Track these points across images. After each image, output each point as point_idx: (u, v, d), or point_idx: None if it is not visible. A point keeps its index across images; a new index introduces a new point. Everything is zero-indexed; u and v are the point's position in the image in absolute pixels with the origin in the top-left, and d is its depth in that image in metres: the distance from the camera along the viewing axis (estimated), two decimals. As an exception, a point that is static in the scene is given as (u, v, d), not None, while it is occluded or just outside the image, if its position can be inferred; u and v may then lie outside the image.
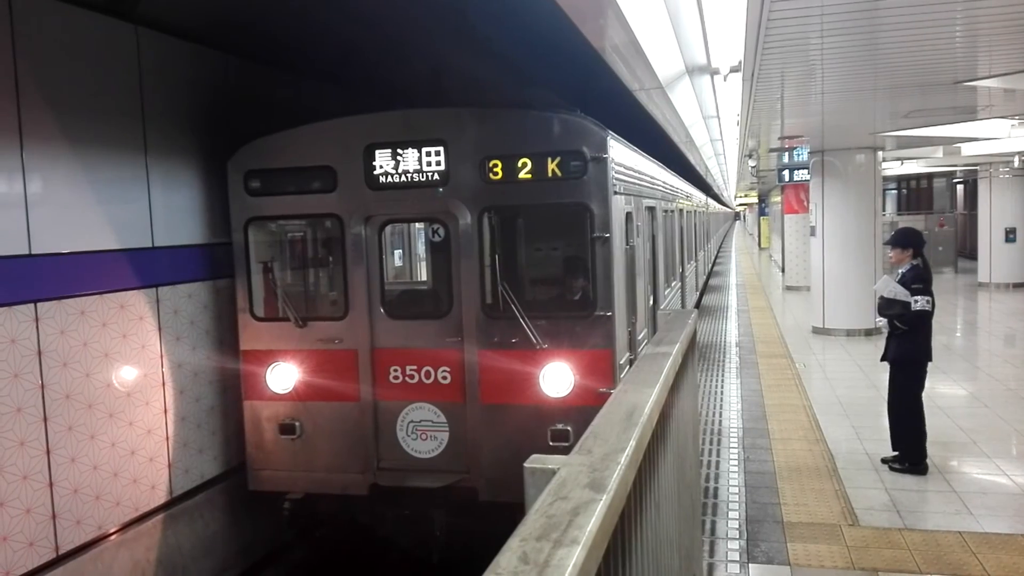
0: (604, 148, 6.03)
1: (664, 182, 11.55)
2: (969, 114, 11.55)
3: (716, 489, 6.97)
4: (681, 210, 14.98)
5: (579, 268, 6.66)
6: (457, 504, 6.37)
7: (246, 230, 6.81)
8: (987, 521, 6.13)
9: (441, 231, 6.92)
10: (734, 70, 9.17)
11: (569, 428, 6.14)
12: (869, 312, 14.69)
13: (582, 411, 6.09)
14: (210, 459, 7.05)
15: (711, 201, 32.52)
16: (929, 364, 7.35)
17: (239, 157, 6.76)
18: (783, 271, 25.87)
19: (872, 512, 6.38)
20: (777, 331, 16.15)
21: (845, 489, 6.89)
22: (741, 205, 77.43)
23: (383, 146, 6.40)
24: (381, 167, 6.41)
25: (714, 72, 9.82)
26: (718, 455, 7.96)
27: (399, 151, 6.37)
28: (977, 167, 23.12)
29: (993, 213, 22.56)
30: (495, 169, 6.13)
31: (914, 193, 40.85)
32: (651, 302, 9.34)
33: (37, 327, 5.33)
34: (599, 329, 6.16)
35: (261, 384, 6.81)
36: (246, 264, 6.82)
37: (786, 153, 15.50)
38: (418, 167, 6.33)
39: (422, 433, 6.56)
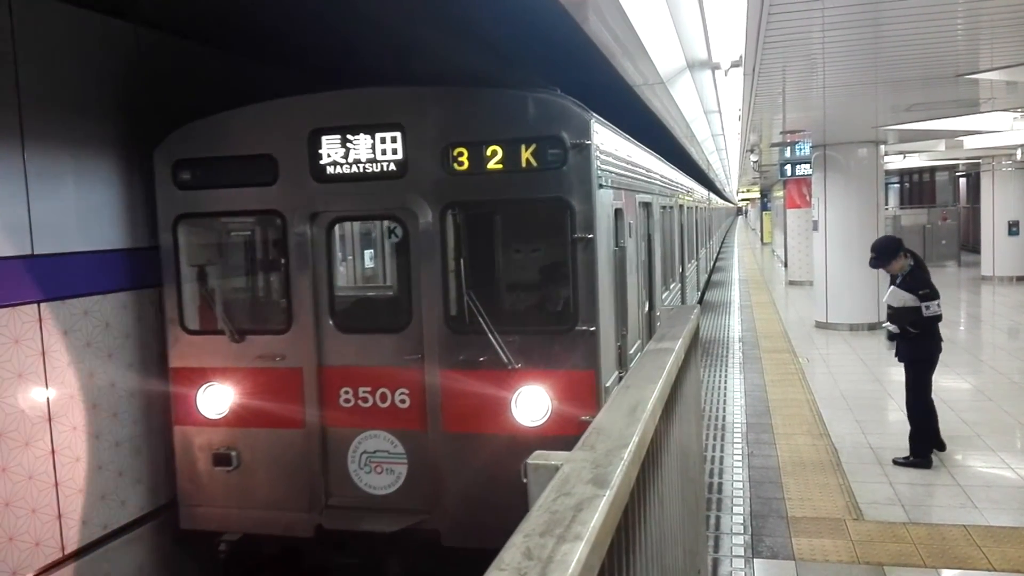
0: (587, 133, 5.20)
1: (661, 175, 10.75)
2: (971, 107, 11.53)
3: (720, 484, 6.97)
4: (681, 206, 14.05)
5: (558, 275, 5.74)
6: (416, 550, 5.56)
7: (175, 229, 5.95)
8: (992, 514, 6.12)
9: (399, 231, 5.99)
10: (735, 65, 9.15)
11: None
12: (872, 306, 14.69)
13: (561, 443, 4.92)
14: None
15: (713, 196, 32.17)
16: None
17: (167, 145, 5.90)
18: (786, 266, 25.84)
19: (876, 506, 6.37)
20: (780, 326, 16.14)
21: (849, 483, 6.89)
22: (743, 200, 77.33)
23: (330, 131, 5.56)
24: (328, 156, 5.58)
25: (715, 67, 9.79)
26: (722, 450, 7.96)
27: (349, 137, 5.52)
28: (980, 160, 23.07)
29: (996, 206, 22.52)
30: (460, 158, 5.32)
31: (916, 187, 40.76)
32: (646, 309, 8.48)
33: None
34: (581, 346, 5.30)
35: (192, 407, 5.95)
36: (175, 269, 5.96)
37: (788, 148, 15.43)
38: (371, 156, 5.50)
39: (377, 466, 5.70)
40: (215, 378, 5.92)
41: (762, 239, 50.83)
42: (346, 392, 5.72)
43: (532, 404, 5.34)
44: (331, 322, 5.77)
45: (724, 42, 8.64)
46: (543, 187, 5.25)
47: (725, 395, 10.30)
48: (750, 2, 5.45)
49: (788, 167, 15.65)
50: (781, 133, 14.20)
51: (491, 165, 5.27)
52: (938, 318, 7.18)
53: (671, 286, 11.58)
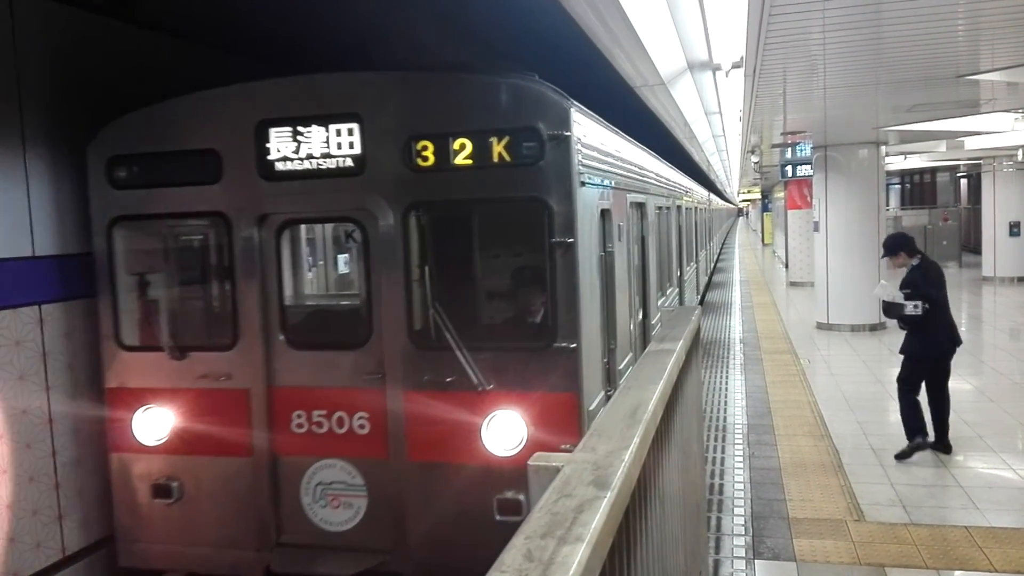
0: (566, 124, 4.65)
1: (656, 175, 10.08)
2: (972, 108, 11.53)
3: (721, 486, 6.96)
4: (679, 207, 13.36)
5: (535, 284, 5.25)
6: None
7: (110, 233, 5.36)
8: (993, 515, 6.11)
9: (357, 234, 5.43)
10: (736, 66, 9.15)
11: (521, 498, 4.68)
12: (873, 307, 14.65)
13: None
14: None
15: (713, 197, 31.94)
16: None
17: (102, 139, 5.32)
18: (787, 267, 25.84)
19: (878, 507, 6.37)
20: (781, 327, 16.13)
21: (851, 485, 6.88)
22: (744, 201, 77.31)
23: (280, 122, 5.00)
24: (277, 150, 5.02)
25: (716, 68, 9.79)
26: (723, 451, 7.95)
27: (300, 129, 4.97)
28: (981, 161, 23.06)
29: (997, 207, 22.51)
30: (424, 153, 4.78)
31: (917, 187, 40.75)
32: (639, 318, 7.85)
33: None
34: (560, 365, 4.73)
35: (129, 432, 5.36)
36: (110, 278, 5.37)
37: (789, 148, 15.46)
38: (325, 150, 4.94)
39: (333, 499, 5.12)
40: (153, 400, 5.33)
41: (763, 240, 50.82)
42: (299, 416, 5.14)
43: (505, 430, 4.79)
44: (281, 337, 5.20)
45: (725, 43, 8.64)
46: (517, 185, 4.71)
47: (726, 396, 10.29)
48: (751, 3, 5.45)
49: (789, 168, 15.67)
50: (782, 134, 14.21)
51: (459, 160, 4.73)
52: (919, 318, 7.35)
53: (668, 291, 10.94)
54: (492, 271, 5.89)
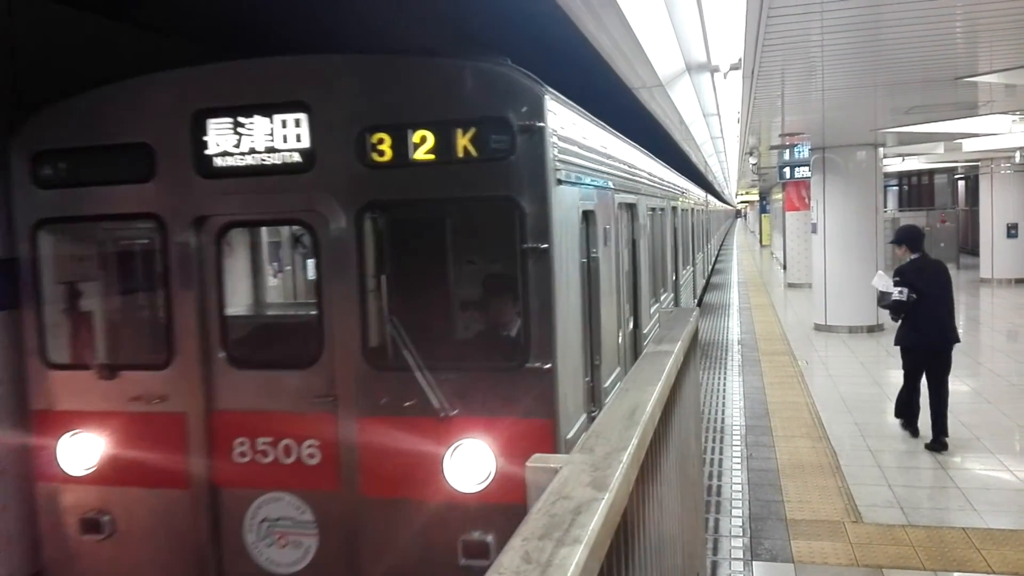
0: (539, 113, 4.16)
1: (650, 174, 9.55)
2: (970, 110, 11.55)
3: (719, 487, 6.97)
4: (674, 208, 12.85)
5: (505, 296, 4.82)
6: None
7: (35, 237, 4.81)
8: (991, 517, 6.12)
9: (307, 238, 4.92)
10: (734, 67, 9.16)
11: (489, 539, 4.22)
12: (871, 309, 14.69)
13: (508, 513, 4.07)
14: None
15: (711, 198, 31.79)
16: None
17: (27, 133, 4.80)
18: (785, 268, 25.86)
19: (876, 509, 6.37)
20: (779, 328, 16.14)
21: (848, 486, 6.89)
22: (742, 203, 77.38)
23: (218, 113, 4.49)
24: (216, 144, 4.50)
25: (714, 69, 9.80)
26: (721, 453, 7.96)
27: (242, 120, 4.46)
28: (978, 163, 23.10)
29: (995, 209, 22.57)
30: (380, 147, 4.28)
31: (915, 189, 40.81)
32: (630, 327, 7.35)
33: None
34: (534, 388, 4.21)
35: (55, 460, 4.82)
36: (34, 287, 4.83)
37: (787, 150, 15.47)
38: (270, 143, 4.43)
39: (280, 537, 4.59)
40: (82, 424, 4.78)
41: (761, 241, 50.88)
42: (241, 444, 4.60)
43: (471, 462, 4.28)
44: (222, 355, 4.67)
45: (723, 45, 8.66)
46: (485, 183, 4.22)
47: (724, 397, 10.30)
48: (749, 5, 5.46)
49: (787, 170, 15.68)
50: (780, 136, 14.22)
51: (419, 155, 4.23)
52: (902, 304, 7.81)
53: (662, 296, 10.36)
54: (458, 281, 5.37)
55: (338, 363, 4.43)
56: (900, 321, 8.03)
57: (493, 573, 1.21)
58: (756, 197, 56.06)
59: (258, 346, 5.41)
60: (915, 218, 29.55)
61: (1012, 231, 22.30)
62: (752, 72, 7.56)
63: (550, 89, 4.38)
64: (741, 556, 5.61)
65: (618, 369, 6.26)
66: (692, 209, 17.65)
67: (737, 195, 60.46)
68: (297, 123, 4.41)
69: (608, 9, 5.58)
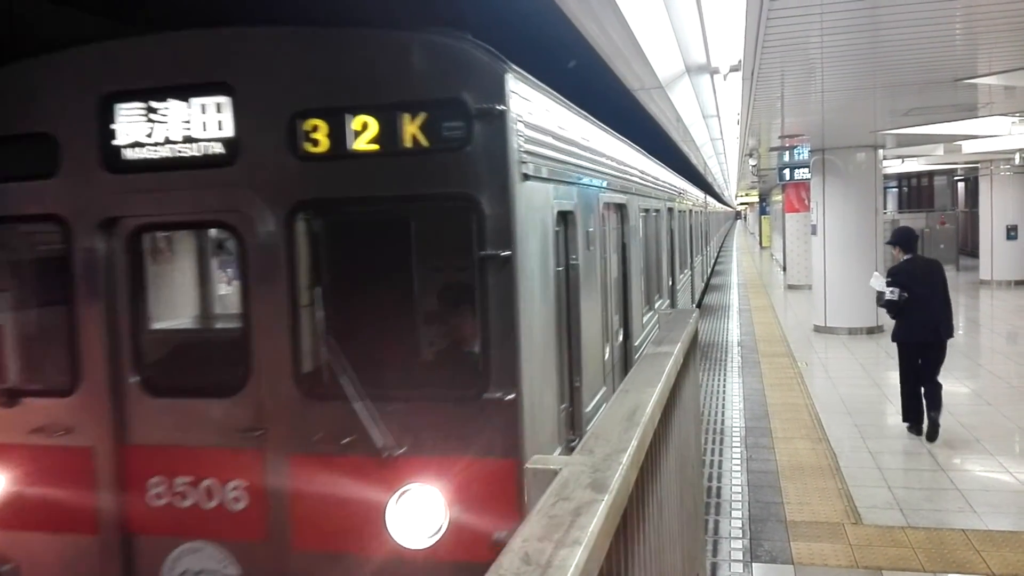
0: (500, 95, 3.55)
1: (643, 172, 8.90)
2: (969, 111, 11.55)
3: (719, 488, 6.96)
4: (671, 209, 12.15)
5: (462, 313, 4.19)
6: None
7: None
8: (990, 518, 6.12)
9: (231, 243, 4.37)
10: (734, 69, 9.17)
11: None
12: (871, 310, 14.70)
13: (464, 573, 3.56)
14: None
15: (710, 199, 31.50)
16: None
17: None
18: (784, 270, 25.86)
19: (875, 510, 6.37)
20: (779, 330, 16.14)
21: (848, 488, 6.89)
22: (742, 204, 77.41)
23: (128, 97, 3.88)
24: (126, 135, 3.90)
25: (714, 71, 9.81)
26: (721, 454, 7.95)
27: (154, 105, 3.85)
28: (978, 164, 23.11)
29: (994, 210, 22.57)
30: (314, 135, 3.68)
31: (915, 191, 40.82)
32: (619, 339, 6.78)
33: None
34: (494, 422, 3.58)
35: None
36: None
37: (786, 152, 15.52)
38: (187, 132, 3.83)
39: None
40: None
41: (761, 243, 50.90)
42: (157, 484, 3.99)
43: (420, 512, 3.63)
44: (135, 379, 4.05)
45: (723, 47, 8.67)
46: (437, 178, 3.61)
47: (724, 399, 10.30)
48: (749, 7, 5.47)
49: (787, 171, 15.74)
50: (780, 137, 14.25)
51: (360, 145, 3.63)
52: (893, 304, 8.17)
53: (658, 304, 9.74)
54: (407, 295, 4.66)
55: (267, 391, 3.81)
56: (893, 317, 8.45)
57: (493, 574, 1.21)
58: (756, 199, 56.11)
59: (178, 369, 4.61)
60: (915, 220, 29.57)
61: (1012, 233, 22.30)
62: (752, 74, 7.57)
63: (514, 67, 3.74)
64: (741, 558, 5.61)
65: (604, 389, 5.63)
66: (690, 211, 17.02)
67: (737, 197, 60.48)
68: (218, 108, 3.78)
69: (607, 11, 5.59)
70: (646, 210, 8.91)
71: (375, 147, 3.64)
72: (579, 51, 6.67)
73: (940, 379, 8.28)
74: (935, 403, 8.20)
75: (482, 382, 3.62)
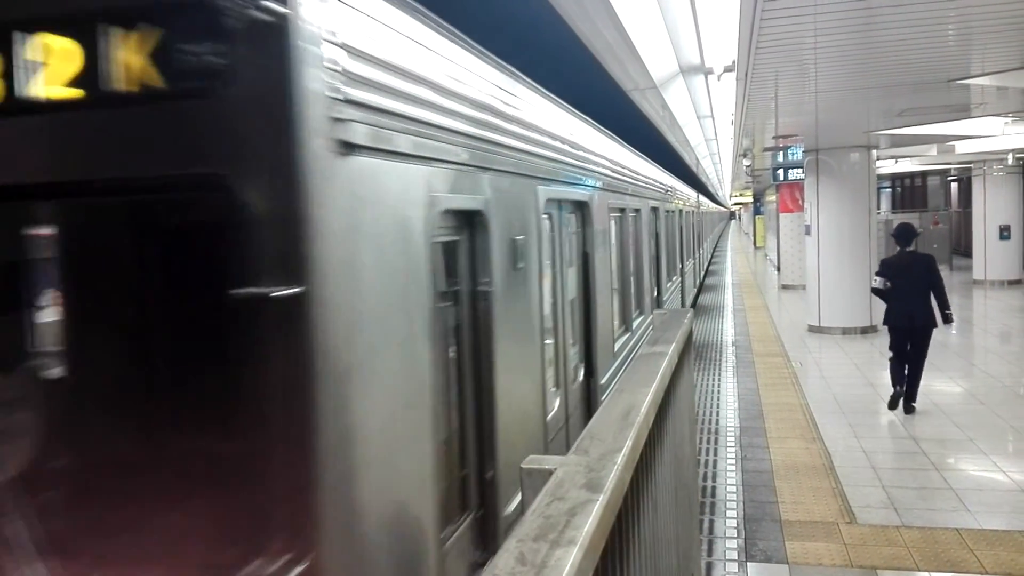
0: None
1: (615, 161, 7.19)
2: (962, 112, 11.60)
3: (714, 488, 6.97)
4: (655, 209, 10.51)
5: (205, 407, 2.22)
6: None
7: None
8: (984, 518, 6.14)
9: None
10: (728, 70, 9.20)
11: None
12: (865, 310, 14.76)
13: None
14: None
15: (704, 199, 30.74)
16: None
17: None
18: (779, 270, 25.92)
19: (870, 510, 6.39)
20: (773, 330, 16.17)
21: (842, 487, 6.90)
22: (736, 204, 77.54)
23: None
24: None
25: (708, 72, 9.84)
26: (715, 454, 7.96)
27: None
28: (971, 165, 23.20)
29: (987, 210, 22.65)
30: None
31: (908, 191, 40.95)
32: (576, 380, 5.32)
33: None
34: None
35: None
36: None
37: (780, 152, 15.52)
38: None
39: None
40: None
41: (755, 243, 50.99)
42: None
43: None
44: None
45: (717, 47, 8.69)
46: (169, 148, 2.02)
47: (718, 399, 10.31)
48: (743, 7, 5.48)
49: (781, 171, 15.72)
50: (774, 138, 14.26)
51: (48, 87, 2.04)
52: (878, 291, 9.29)
53: (636, 322, 8.15)
54: (114, 355, 2.44)
55: None
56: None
57: (488, 574, 1.21)
58: (750, 199, 56.22)
59: None
60: (908, 220, 29.66)
61: (1005, 233, 22.40)
62: (746, 74, 7.59)
63: None
64: (735, 557, 5.62)
65: (518, 497, 3.50)
66: (680, 211, 15.35)
67: (731, 197, 60.59)
68: None
69: (601, 12, 5.59)
70: (620, 210, 7.55)
71: (76, 92, 2.01)
72: (573, 50, 6.65)
73: (932, 377, 9.23)
74: (911, 382, 9.22)
75: (251, 545, 1.93)
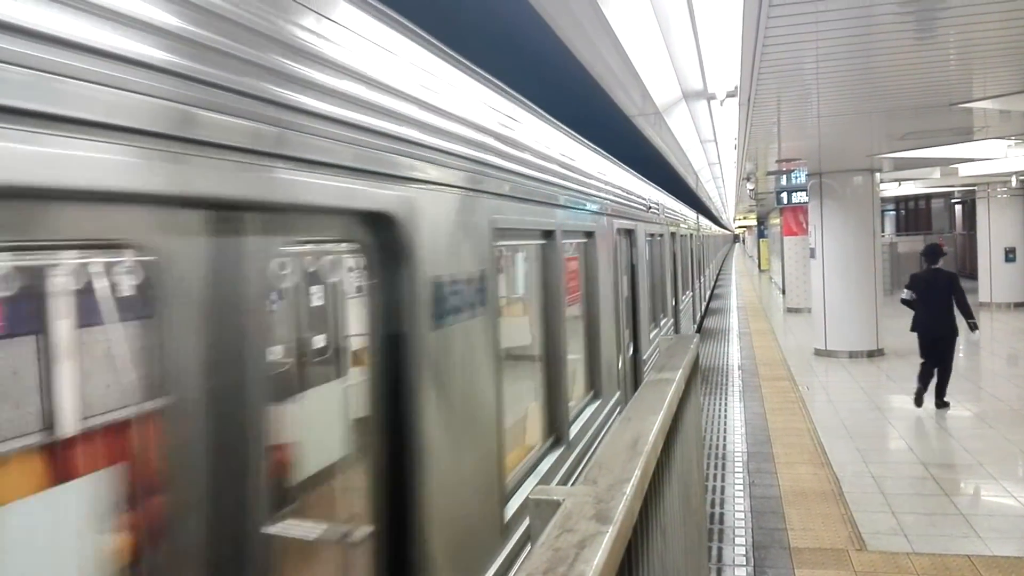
0: None
1: (603, 177, 6.31)
2: (965, 135, 11.63)
3: (722, 515, 6.91)
4: (651, 234, 9.69)
5: None
6: None
7: None
8: (995, 544, 6.07)
9: None
10: (730, 95, 9.25)
11: None
12: (871, 333, 14.71)
13: None
14: None
15: (706, 222, 29.41)
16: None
17: None
18: (784, 293, 25.87)
19: (880, 536, 6.32)
20: (779, 354, 16.11)
21: (852, 513, 6.83)
22: (740, 227, 77.64)
23: None
24: None
25: (711, 97, 9.90)
26: (723, 480, 7.90)
27: None
28: (975, 187, 23.22)
29: (992, 233, 22.63)
30: None
31: (912, 214, 40.97)
32: (544, 445, 4.31)
33: None
34: None
35: None
36: None
37: (784, 176, 15.58)
38: None
39: None
40: None
41: (759, 266, 50.97)
42: None
43: None
44: None
45: (720, 73, 8.74)
46: None
47: (725, 424, 10.25)
48: (745, 33, 5.52)
49: (784, 195, 15.78)
50: (777, 161, 14.32)
51: None
52: (905, 302, 10.59)
53: (618, 360, 6.65)
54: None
55: None
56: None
57: (497, 610, 1.19)
58: (754, 222, 56.29)
59: None
60: (913, 243, 29.67)
61: (1010, 255, 22.36)
62: (748, 100, 7.63)
63: None
64: (745, 585, 5.56)
65: None
66: (679, 235, 14.43)
67: (735, 220, 60.69)
68: None
69: (605, 41, 5.64)
70: (618, 230, 6.86)
71: None
72: (577, 76, 6.71)
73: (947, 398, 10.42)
74: (940, 382, 10.42)
75: None
